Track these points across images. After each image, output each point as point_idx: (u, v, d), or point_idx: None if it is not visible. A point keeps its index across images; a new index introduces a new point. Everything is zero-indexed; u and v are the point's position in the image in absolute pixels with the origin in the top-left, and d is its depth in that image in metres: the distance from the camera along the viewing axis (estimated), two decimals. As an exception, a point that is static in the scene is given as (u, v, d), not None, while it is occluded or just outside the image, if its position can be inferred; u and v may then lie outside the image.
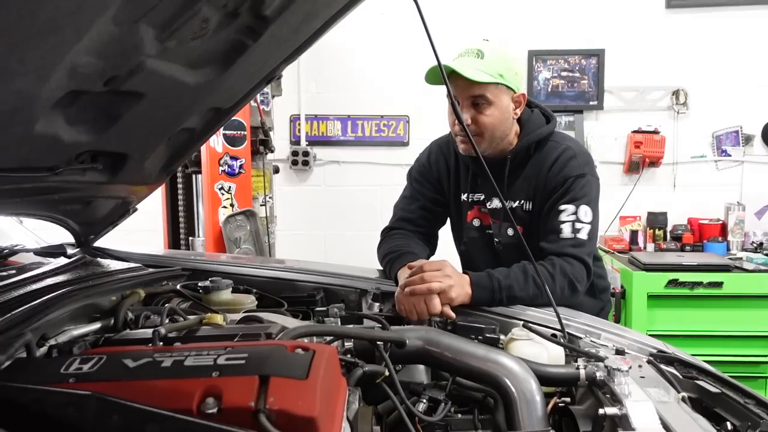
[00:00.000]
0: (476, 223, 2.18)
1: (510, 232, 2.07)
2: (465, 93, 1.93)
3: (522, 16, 4.63)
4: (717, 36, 4.55)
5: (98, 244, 1.97)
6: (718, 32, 4.54)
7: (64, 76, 0.97)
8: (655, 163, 4.61)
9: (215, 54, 1.33)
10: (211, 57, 1.33)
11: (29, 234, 2.04)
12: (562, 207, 1.92)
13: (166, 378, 0.93)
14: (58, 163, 1.30)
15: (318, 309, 1.63)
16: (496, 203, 2.09)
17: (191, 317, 1.34)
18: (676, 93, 4.61)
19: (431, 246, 2.23)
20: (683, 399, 1.21)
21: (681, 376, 1.40)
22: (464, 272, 1.77)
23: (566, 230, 1.89)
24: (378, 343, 1.25)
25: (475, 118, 1.94)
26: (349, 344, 1.31)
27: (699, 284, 3.77)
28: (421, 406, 1.31)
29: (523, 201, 2.04)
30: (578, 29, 4.63)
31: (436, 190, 2.21)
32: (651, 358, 1.48)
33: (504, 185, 2.03)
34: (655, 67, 4.60)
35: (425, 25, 1.34)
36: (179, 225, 3.81)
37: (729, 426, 1.18)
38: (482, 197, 2.13)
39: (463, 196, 2.18)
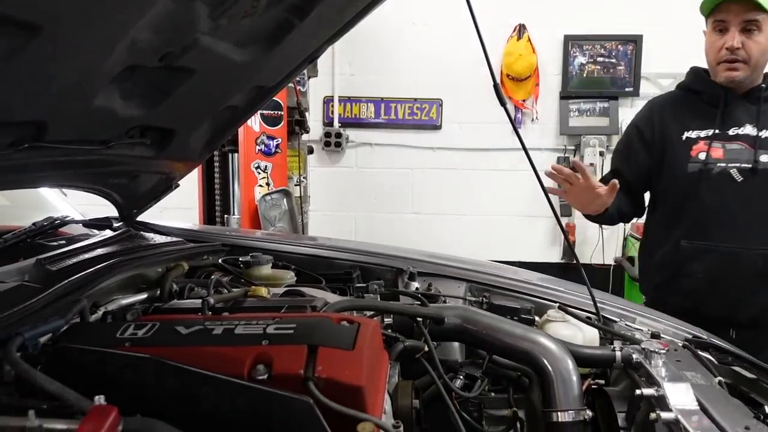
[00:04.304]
0: (702, 156, 2.13)
1: (764, 158, 2.08)
2: (739, 17, 2.00)
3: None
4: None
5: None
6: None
7: (125, 51, 1.01)
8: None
9: (263, 33, 1.36)
10: (259, 35, 1.36)
11: (72, 207, 2.10)
12: None
13: (218, 345, 0.97)
14: (111, 137, 1.34)
15: (358, 285, 1.67)
16: (745, 130, 2.12)
17: (235, 290, 1.38)
18: (714, 80, 4.53)
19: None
20: (719, 383, 1.22)
21: (716, 362, 1.41)
22: None
23: None
24: (417, 319, 1.28)
25: (745, 43, 2.01)
26: (388, 320, 1.34)
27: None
28: (458, 383, 1.34)
29: None
30: (616, 15, 4.58)
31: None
32: (686, 343, 1.48)
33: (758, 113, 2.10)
34: (693, 53, 4.51)
35: (470, 8, 1.35)
36: (215, 203, 3.87)
37: (766, 409, 1.19)
38: (713, 131, 2.12)
39: (689, 134, 2.17)
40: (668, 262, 2.18)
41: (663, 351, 1.24)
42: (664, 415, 1.05)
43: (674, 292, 2.16)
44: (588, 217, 2.26)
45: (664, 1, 4.51)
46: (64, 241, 1.62)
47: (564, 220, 4.63)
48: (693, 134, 2.15)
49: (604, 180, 2.18)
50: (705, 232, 2.10)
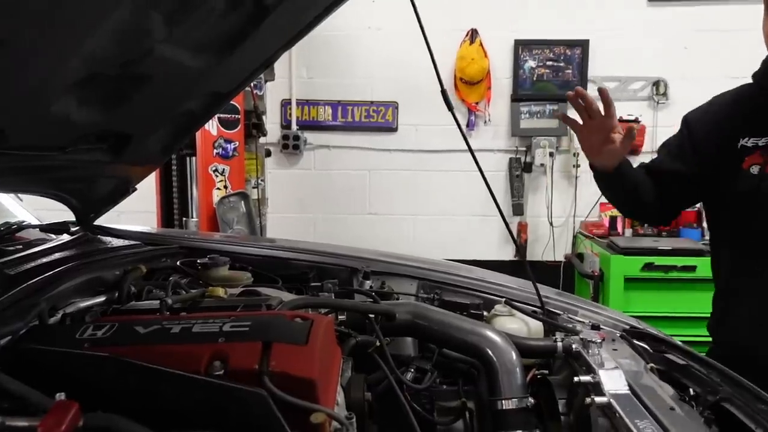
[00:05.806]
0: (755, 170, 1.71)
1: None
2: None
3: (510, 5, 4.72)
4: (694, 30, 4.68)
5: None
6: (695, 26, 4.67)
7: (84, 59, 1.04)
8: (635, 151, 4.66)
9: (218, 40, 1.40)
10: (215, 43, 1.40)
11: (28, 212, 2.10)
12: None
13: (176, 343, 1.00)
14: (68, 143, 1.36)
15: (313, 284, 1.71)
16: None
17: (193, 291, 1.41)
18: (656, 84, 4.72)
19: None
20: (651, 369, 1.31)
21: (651, 350, 1.49)
22: None
23: None
24: (370, 315, 1.34)
25: None
26: (342, 317, 1.39)
27: (673, 268, 3.89)
28: (409, 376, 1.40)
29: None
30: (564, 20, 4.72)
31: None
32: (623, 333, 1.57)
33: None
34: (636, 58, 4.71)
35: (417, 14, 1.42)
36: (173, 206, 3.86)
37: (691, 392, 1.28)
38: None
39: (744, 142, 1.74)
40: (718, 297, 1.88)
41: (599, 341, 1.32)
42: (598, 399, 1.12)
43: (722, 332, 1.84)
44: (599, 179, 1.90)
45: (608, 8, 4.68)
46: (21, 246, 1.63)
47: (516, 219, 4.76)
48: (749, 142, 1.73)
49: (646, 165, 1.92)
50: (754, 265, 1.73)
